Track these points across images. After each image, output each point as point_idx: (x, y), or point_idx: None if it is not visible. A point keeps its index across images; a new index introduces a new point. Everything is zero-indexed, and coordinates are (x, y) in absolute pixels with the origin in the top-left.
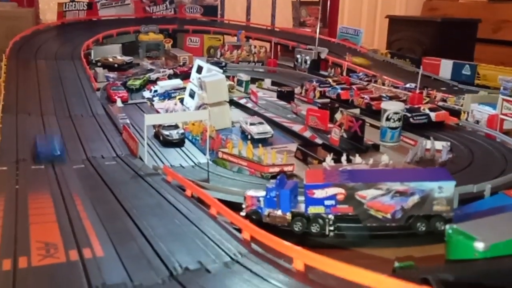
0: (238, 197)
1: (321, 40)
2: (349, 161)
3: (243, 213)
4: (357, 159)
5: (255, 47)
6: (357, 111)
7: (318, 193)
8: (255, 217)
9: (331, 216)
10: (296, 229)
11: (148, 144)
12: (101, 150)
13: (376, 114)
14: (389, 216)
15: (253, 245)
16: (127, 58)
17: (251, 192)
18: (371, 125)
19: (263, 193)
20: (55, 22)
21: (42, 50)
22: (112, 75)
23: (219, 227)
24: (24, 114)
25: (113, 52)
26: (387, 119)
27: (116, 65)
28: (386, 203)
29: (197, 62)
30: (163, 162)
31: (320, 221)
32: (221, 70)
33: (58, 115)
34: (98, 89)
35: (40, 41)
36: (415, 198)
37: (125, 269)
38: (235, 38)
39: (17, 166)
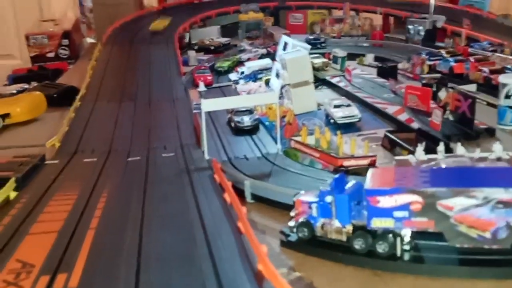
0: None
1: (439, 7)
2: (448, 151)
3: (291, 223)
4: (459, 149)
5: (359, 19)
6: (473, 87)
7: (384, 201)
8: (305, 231)
9: (405, 232)
10: (358, 247)
11: (217, 133)
12: (167, 140)
13: (497, 90)
14: (488, 235)
15: None
16: (223, 40)
17: (302, 196)
18: (489, 104)
19: (316, 197)
20: (157, 7)
21: (139, 35)
22: (206, 57)
23: (236, 253)
24: (103, 101)
25: (211, 34)
26: (507, 96)
27: (212, 47)
28: (484, 218)
29: (283, 38)
30: (227, 154)
31: (390, 238)
32: (308, 46)
33: (137, 102)
34: (185, 73)
35: (138, 26)
36: None
37: None
38: (341, 12)
39: (70, 159)
